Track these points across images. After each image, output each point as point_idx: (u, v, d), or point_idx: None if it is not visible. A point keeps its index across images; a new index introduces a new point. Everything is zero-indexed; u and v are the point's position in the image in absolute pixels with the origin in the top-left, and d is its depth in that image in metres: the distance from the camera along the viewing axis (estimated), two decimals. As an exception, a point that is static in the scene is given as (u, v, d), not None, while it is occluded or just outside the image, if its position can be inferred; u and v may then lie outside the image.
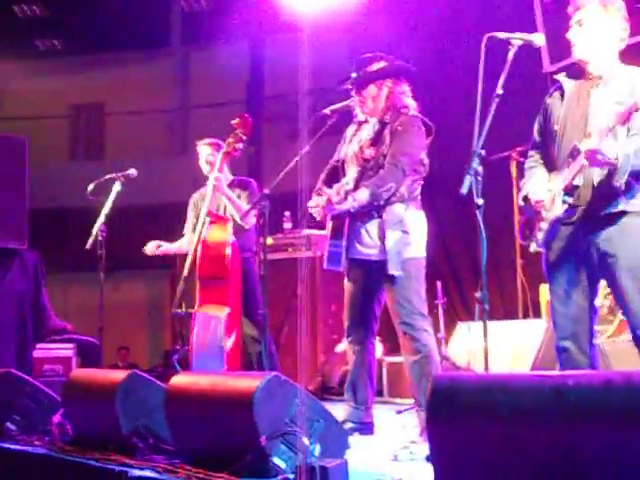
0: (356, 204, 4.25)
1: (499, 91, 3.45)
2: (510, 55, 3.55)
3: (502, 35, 3.56)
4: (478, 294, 3.31)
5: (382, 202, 4.26)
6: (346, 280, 4.53)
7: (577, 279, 3.58)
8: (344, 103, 4.57)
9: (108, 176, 5.64)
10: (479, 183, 3.38)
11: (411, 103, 4.47)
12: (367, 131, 4.50)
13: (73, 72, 12.03)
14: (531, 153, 3.87)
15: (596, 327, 5.51)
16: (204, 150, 5.99)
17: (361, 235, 4.35)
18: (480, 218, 3.33)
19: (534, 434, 2.37)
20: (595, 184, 3.46)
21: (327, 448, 3.20)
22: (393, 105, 4.43)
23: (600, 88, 3.58)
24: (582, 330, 3.60)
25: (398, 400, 6.28)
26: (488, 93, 3.45)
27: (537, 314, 6.32)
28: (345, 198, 4.30)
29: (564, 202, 3.50)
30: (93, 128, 12.75)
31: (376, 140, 4.42)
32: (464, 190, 3.26)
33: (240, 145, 5.50)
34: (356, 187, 4.33)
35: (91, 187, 5.53)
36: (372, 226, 4.33)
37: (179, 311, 5.41)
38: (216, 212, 5.63)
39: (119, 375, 3.87)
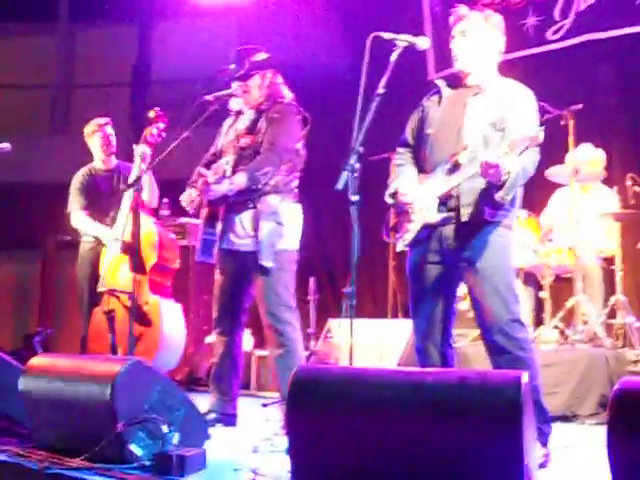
0: (233, 187, 4.23)
1: (380, 90, 3.49)
2: (394, 56, 3.59)
3: (387, 35, 3.60)
4: (346, 289, 3.34)
5: (259, 186, 4.23)
6: (217, 271, 4.49)
7: (438, 282, 3.67)
8: (227, 91, 4.53)
9: (-22, 149, 5.41)
10: (355, 180, 3.41)
11: (288, 94, 4.53)
12: (243, 121, 4.52)
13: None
14: (401, 151, 3.93)
15: (461, 330, 5.72)
16: (99, 131, 6.01)
17: (235, 225, 4.33)
18: (354, 214, 3.36)
19: (392, 428, 2.41)
20: (474, 196, 3.53)
21: (187, 437, 3.16)
22: (271, 95, 4.47)
23: (477, 98, 3.67)
24: (439, 332, 3.69)
25: (265, 393, 6.27)
26: (372, 92, 3.50)
27: (406, 315, 6.43)
28: (223, 177, 4.26)
29: (439, 211, 3.56)
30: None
31: (252, 128, 4.44)
32: (340, 186, 3.28)
33: (159, 139, 5.35)
34: (233, 173, 4.30)
35: (-41, 160, 5.30)
36: (246, 216, 4.30)
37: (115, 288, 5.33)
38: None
39: (-25, 354, 3.72)
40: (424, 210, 3.61)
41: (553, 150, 5.73)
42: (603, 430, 2.25)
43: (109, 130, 6.09)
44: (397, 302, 6.73)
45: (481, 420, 2.27)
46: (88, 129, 6.11)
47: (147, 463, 3.03)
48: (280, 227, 4.28)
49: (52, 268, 11.09)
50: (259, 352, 6.65)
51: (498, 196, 3.46)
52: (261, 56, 4.53)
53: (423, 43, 3.68)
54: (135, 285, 4.79)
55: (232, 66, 4.46)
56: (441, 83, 3.84)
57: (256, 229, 4.26)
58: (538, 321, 5.95)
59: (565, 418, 4.87)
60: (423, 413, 2.34)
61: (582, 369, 5.07)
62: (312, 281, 6.72)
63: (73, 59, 11.73)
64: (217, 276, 4.49)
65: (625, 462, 2.12)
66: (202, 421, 3.46)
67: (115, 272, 5.47)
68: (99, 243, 5.74)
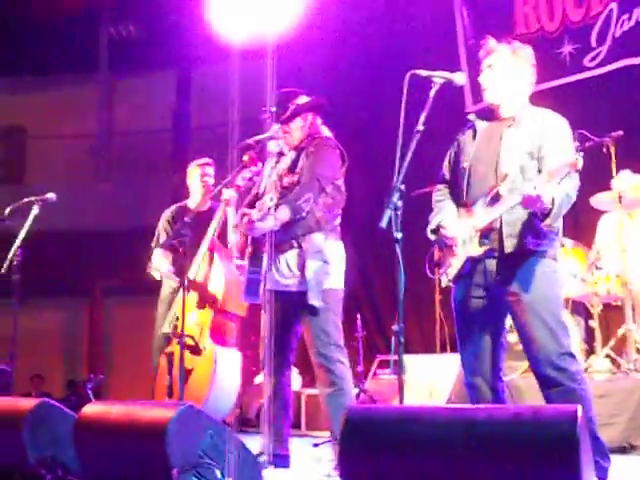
0: (278, 222, 4.23)
1: (420, 127, 3.50)
2: (432, 93, 3.60)
3: (424, 73, 3.61)
4: (395, 327, 3.32)
5: (303, 214, 4.24)
6: (263, 311, 4.50)
7: (484, 316, 3.65)
8: (268, 134, 4.58)
9: (26, 200, 5.52)
10: (398, 217, 3.41)
11: (327, 132, 4.58)
12: (285, 162, 4.55)
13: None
14: (439, 187, 3.94)
15: (511, 363, 5.65)
16: (198, 170, 6.01)
17: (280, 265, 4.34)
18: (399, 252, 3.36)
19: (446, 467, 2.38)
20: (517, 227, 3.52)
21: (241, 480, 3.15)
22: (310, 134, 4.52)
23: (512, 129, 3.67)
24: (489, 366, 3.65)
25: (316, 433, 6.25)
26: (411, 130, 3.51)
27: (454, 349, 6.39)
28: (267, 214, 4.28)
29: (482, 244, 3.55)
30: (14, 151, 12.48)
31: (293, 168, 4.47)
32: (383, 224, 3.28)
33: (250, 183, 5.40)
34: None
35: (8, 210, 5.41)
36: (291, 256, 4.31)
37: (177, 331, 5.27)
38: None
39: (28, 403, 3.76)
40: (467, 244, 3.60)
41: (596, 178, 5.70)
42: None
43: (208, 170, 6.06)
44: (445, 337, 6.69)
45: (537, 456, 2.24)
46: (190, 168, 6.13)
47: (202, 508, 3.03)
48: (326, 265, 4.28)
49: (99, 314, 11.23)
50: (308, 391, 6.65)
51: (545, 224, 3.45)
52: (302, 99, 4.59)
53: (460, 79, 3.69)
54: (196, 328, 4.92)
55: (273, 109, 4.52)
56: (474, 117, 3.86)
57: (302, 268, 4.26)
58: (589, 351, 5.86)
59: (623, 450, 4.78)
60: (477, 451, 2.31)
61: (637, 398, 4.98)
62: (358, 319, 6.71)
63: (113, 107, 11.95)
64: (263, 317, 4.49)
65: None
66: (256, 464, 3.45)
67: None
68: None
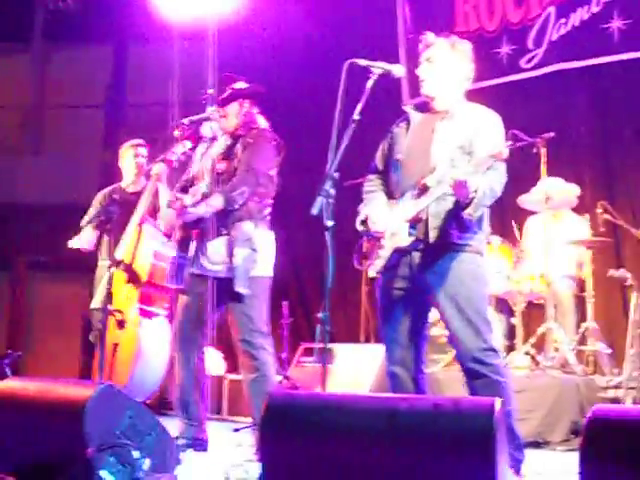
0: (210, 208, 4.25)
1: (356, 117, 3.51)
2: (369, 83, 3.62)
3: (363, 62, 3.63)
4: (320, 314, 3.34)
5: (236, 206, 4.26)
6: (182, 295, 4.47)
7: (408, 307, 3.69)
8: (203, 115, 4.55)
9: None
10: (330, 205, 3.42)
11: (263, 122, 4.61)
12: (218, 146, 4.55)
13: None
14: (371, 177, 3.96)
15: (433, 356, 5.73)
16: (132, 151, 6.01)
17: (208, 251, 4.32)
18: (329, 240, 3.37)
19: (365, 455, 2.40)
20: (442, 217, 3.56)
21: (158, 463, 3.12)
22: (247, 122, 4.54)
23: (445, 122, 3.71)
24: (411, 357, 3.70)
25: (237, 418, 6.23)
26: (348, 119, 3.52)
27: (378, 340, 6.43)
28: (201, 200, 4.28)
29: (410, 235, 3.58)
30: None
31: (227, 154, 4.47)
32: (315, 211, 3.30)
33: (183, 157, 5.30)
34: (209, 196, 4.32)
35: None
36: (220, 243, 4.31)
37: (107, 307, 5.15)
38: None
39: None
40: (395, 235, 3.62)
41: (526, 178, 5.81)
42: (574, 457, 2.26)
43: (141, 151, 6.05)
44: (369, 328, 6.74)
45: (455, 446, 2.27)
46: (122, 149, 6.11)
47: (117, 489, 3.00)
48: (254, 253, 4.28)
49: (22, 289, 11.00)
50: (231, 376, 6.62)
51: (466, 213, 3.48)
52: (241, 85, 4.61)
53: (398, 71, 3.72)
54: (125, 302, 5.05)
55: (211, 91, 4.50)
56: (409, 109, 3.89)
57: (230, 255, 4.26)
58: (510, 347, 5.97)
59: (536, 444, 4.88)
60: (397, 440, 2.33)
61: (553, 395, 5.10)
62: (285, 306, 6.70)
63: (46, 80, 11.68)
64: (181, 299, 4.47)
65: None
66: (174, 446, 3.42)
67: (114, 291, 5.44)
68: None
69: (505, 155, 3.34)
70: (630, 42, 6.58)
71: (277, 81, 7.44)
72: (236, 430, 5.43)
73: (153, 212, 5.69)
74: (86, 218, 5.93)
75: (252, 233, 4.30)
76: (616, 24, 6.64)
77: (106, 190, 6.13)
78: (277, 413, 2.53)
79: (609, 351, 5.64)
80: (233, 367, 6.48)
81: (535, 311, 6.15)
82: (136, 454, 3.04)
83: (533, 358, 5.67)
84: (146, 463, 3.03)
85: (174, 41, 9.42)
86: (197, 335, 4.40)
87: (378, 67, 3.67)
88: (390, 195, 3.78)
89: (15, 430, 3.25)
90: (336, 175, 3.40)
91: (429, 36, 3.85)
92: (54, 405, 3.15)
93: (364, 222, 3.78)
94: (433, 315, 4.50)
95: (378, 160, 3.95)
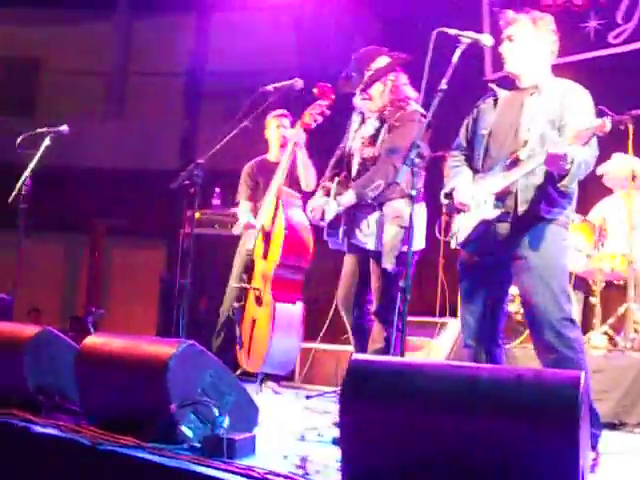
0: (341, 208, 4.44)
1: (443, 86, 3.50)
2: (457, 52, 3.60)
3: (452, 31, 3.61)
4: (401, 283, 3.34)
5: (367, 201, 4.36)
6: (346, 257, 4.66)
7: (489, 279, 3.68)
8: (287, 82, 4.59)
9: (39, 130, 5.54)
10: (415, 175, 3.42)
11: (412, 94, 4.51)
12: (367, 128, 4.55)
13: (7, 23, 11.68)
14: (455, 153, 3.94)
15: (511, 332, 5.68)
16: (275, 122, 6.07)
17: (361, 224, 4.46)
18: (412, 210, 3.38)
19: (446, 422, 2.40)
20: (532, 191, 3.52)
21: (236, 422, 3.18)
22: (394, 100, 4.49)
23: (533, 98, 3.66)
24: (488, 330, 3.69)
25: (309, 386, 6.29)
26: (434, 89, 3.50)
27: (453, 314, 6.40)
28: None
29: (496, 207, 3.55)
30: (26, 84, 12.40)
31: (374, 138, 4.50)
32: (399, 179, 3.30)
33: (320, 118, 5.37)
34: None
35: (20, 139, 5.42)
36: (372, 218, 4.43)
37: (244, 285, 5.63)
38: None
39: (30, 330, 3.78)
40: (480, 207, 3.60)
41: (610, 154, 5.68)
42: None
43: (284, 122, 6.10)
44: (445, 301, 6.70)
45: (538, 418, 2.26)
46: (267, 119, 6.14)
47: (197, 445, 3.06)
48: (402, 231, 4.34)
49: (100, 252, 11.25)
50: (304, 345, 6.67)
51: (562, 185, 3.46)
52: (382, 61, 4.54)
53: (487, 40, 3.69)
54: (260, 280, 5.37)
55: (354, 74, 4.50)
56: (495, 87, 3.84)
57: (381, 232, 4.38)
58: (588, 326, 5.88)
59: (612, 426, 4.81)
60: (479, 408, 2.33)
61: (631, 376, 5.00)
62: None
63: (130, 47, 11.85)
64: (345, 263, 4.66)
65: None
66: (252, 407, 3.48)
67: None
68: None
69: (608, 128, 3.27)
70: None
71: (358, 49, 7.42)
72: (308, 397, 5.48)
73: (292, 180, 5.76)
74: (238, 195, 6.13)
75: (403, 210, 4.33)
76: None
77: (252, 162, 6.21)
78: (359, 377, 2.55)
79: (690, 334, 5.51)
80: (307, 336, 6.55)
81: (615, 291, 6.03)
82: (216, 412, 3.10)
83: (611, 338, 5.57)
84: (225, 421, 3.08)
85: (255, 11, 9.47)
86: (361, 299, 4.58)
87: (467, 36, 3.64)
88: (474, 170, 3.75)
89: (100, 385, 3.35)
90: (421, 145, 3.40)
91: (509, 13, 3.79)
92: (138, 361, 3.23)
93: (448, 195, 3.77)
94: (512, 291, 4.49)
95: (462, 136, 3.93)
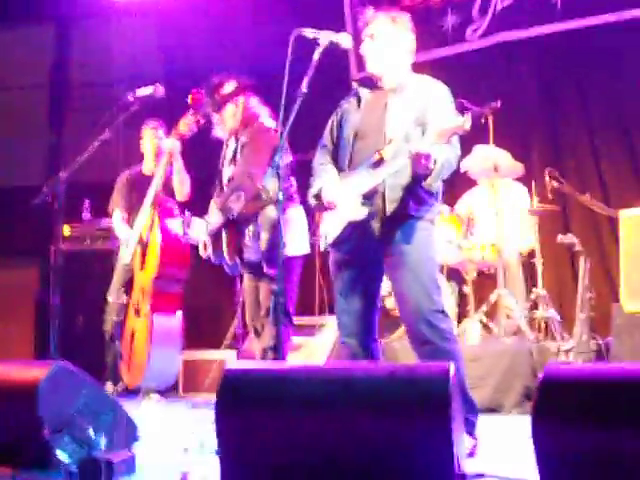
0: (211, 226, 4.51)
1: (303, 89, 3.51)
2: (316, 54, 3.61)
3: (310, 32, 3.62)
4: (274, 287, 3.34)
5: (234, 214, 4.44)
6: (244, 276, 4.77)
7: (361, 277, 3.73)
8: (148, 90, 4.57)
9: None
10: (281, 178, 3.42)
11: (263, 112, 4.73)
12: (229, 150, 4.74)
13: None
14: (320, 152, 3.96)
15: (390, 327, 5.77)
16: (150, 133, 6.03)
17: (243, 239, 4.52)
18: (280, 213, 3.39)
19: (322, 424, 2.41)
20: (399, 190, 3.57)
21: (115, 441, 3.11)
22: (245, 119, 4.70)
23: (396, 98, 3.71)
24: (363, 327, 3.75)
25: (195, 395, 6.23)
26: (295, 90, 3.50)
27: (332, 312, 6.45)
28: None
29: (364, 206, 3.58)
30: None
31: (234, 159, 4.67)
32: (265, 183, 3.29)
33: (195, 127, 5.32)
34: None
35: None
36: (250, 230, 4.49)
37: (119, 301, 5.65)
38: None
39: None
40: (348, 207, 3.63)
41: (472, 147, 5.84)
42: (527, 420, 2.29)
43: (159, 133, 6.04)
44: (324, 300, 6.75)
45: (412, 412, 2.30)
46: (142, 131, 6.09)
47: (74, 469, 2.97)
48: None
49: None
50: (186, 355, 6.59)
51: (426, 184, 3.54)
52: (230, 86, 4.72)
53: (345, 41, 3.70)
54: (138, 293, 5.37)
55: (207, 99, 4.66)
56: (357, 85, 3.88)
57: (258, 240, 4.45)
58: (462, 315, 6.04)
59: (491, 410, 4.95)
60: (353, 408, 2.35)
61: (506, 362, 5.18)
62: (238, 282, 6.69)
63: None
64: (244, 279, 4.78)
65: (550, 449, 2.16)
66: (130, 424, 3.41)
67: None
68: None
69: (468, 126, 3.34)
70: (573, 12, 6.63)
71: (221, 53, 7.40)
72: (194, 405, 5.44)
73: (168, 190, 5.69)
74: (111, 204, 6.10)
75: (275, 217, 4.33)
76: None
77: (127, 173, 6.17)
78: (232, 386, 2.53)
79: (559, 317, 5.73)
80: (188, 344, 6.48)
81: (486, 280, 6.21)
82: (92, 433, 3.02)
83: (485, 326, 5.74)
84: (102, 442, 3.01)
85: (117, 18, 9.29)
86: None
87: (325, 37, 3.65)
88: (339, 169, 3.78)
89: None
90: (285, 147, 3.40)
91: (368, 12, 3.84)
92: (8, 387, 3.11)
93: (316, 195, 3.79)
94: (387, 287, 4.56)
95: (327, 135, 3.95)
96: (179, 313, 5.68)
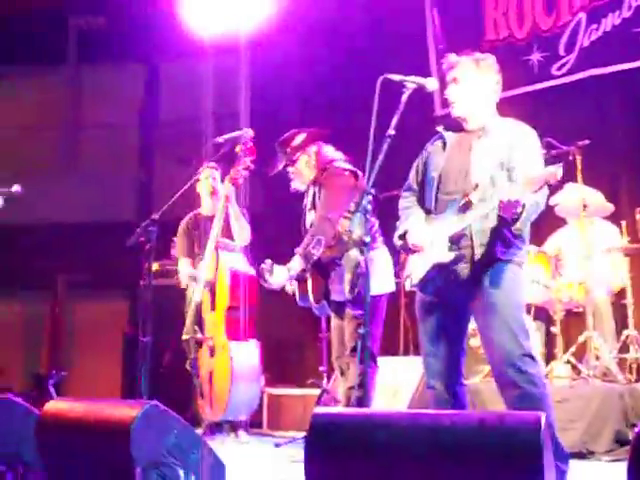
0: (293, 272, 4.53)
1: (391, 132, 3.54)
2: (404, 98, 3.64)
3: (396, 77, 3.65)
4: (361, 330, 3.35)
5: (314, 258, 4.49)
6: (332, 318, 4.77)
7: (448, 320, 3.70)
8: (237, 133, 4.65)
9: (-12, 192, 5.47)
10: (368, 222, 3.45)
11: (338, 156, 4.78)
12: (309, 198, 4.81)
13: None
14: (406, 194, 3.97)
15: (474, 367, 5.71)
16: (205, 173, 6.11)
17: (330, 281, 4.59)
18: (366, 255, 3.41)
19: (410, 472, 2.40)
20: (487, 235, 3.56)
21: (204, 480, 3.15)
22: (321, 165, 4.74)
23: (481, 140, 3.70)
24: (450, 370, 3.71)
25: (277, 433, 6.26)
26: (383, 134, 3.54)
27: (417, 352, 6.42)
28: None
29: (451, 250, 3.58)
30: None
31: (314, 204, 4.74)
32: (353, 228, 3.32)
33: (246, 172, 5.52)
34: None
35: (-28, 201, 5.37)
36: (336, 272, 4.55)
37: (196, 336, 5.78)
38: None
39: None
40: (435, 249, 3.62)
41: (563, 185, 5.77)
42: (619, 467, 2.25)
43: (215, 174, 6.17)
44: (409, 340, 6.73)
45: (502, 463, 2.27)
46: (200, 174, 6.15)
47: (164, 508, 3.02)
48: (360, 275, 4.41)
49: (62, 308, 11.12)
50: (270, 390, 6.64)
51: (515, 229, 3.53)
52: (300, 138, 4.78)
53: (432, 85, 3.73)
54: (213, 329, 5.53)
55: (279, 155, 4.80)
56: (442, 129, 3.88)
57: (342, 281, 4.49)
58: (550, 356, 5.93)
59: (580, 455, 4.84)
60: (441, 457, 2.33)
61: (596, 404, 5.06)
62: (324, 319, 6.72)
63: (80, 100, 11.81)
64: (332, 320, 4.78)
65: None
66: (218, 464, 3.44)
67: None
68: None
69: (559, 176, 3.30)
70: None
71: (307, 92, 7.50)
72: (277, 445, 5.45)
73: (227, 233, 5.80)
74: (176, 250, 6.28)
75: (359, 258, 4.40)
76: (648, 28, 6.60)
77: (187, 217, 6.30)
78: (322, 431, 2.54)
79: (651, 358, 5.58)
80: (272, 381, 6.53)
81: (575, 320, 6.10)
82: (182, 473, 3.06)
83: (574, 367, 5.63)
84: (192, 481, 3.05)
85: (205, 56, 9.50)
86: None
87: (412, 81, 3.68)
88: (425, 212, 3.79)
89: (63, 452, 3.29)
90: (373, 191, 3.43)
91: (451, 56, 3.84)
92: (101, 426, 3.18)
93: (402, 236, 3.80)
94: (472, 326, 4.52)
95: (412, 178, 3.96)
96: (254, 341, 5.78)
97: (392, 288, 4.63)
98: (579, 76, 6.96)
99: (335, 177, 4.61)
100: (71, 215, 10.55)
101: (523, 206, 3.35)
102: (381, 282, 4.49)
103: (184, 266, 6.15)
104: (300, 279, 4.65)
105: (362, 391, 4.17)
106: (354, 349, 4.44)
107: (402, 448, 2.38)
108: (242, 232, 5.79)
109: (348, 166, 4.64)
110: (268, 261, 4.48)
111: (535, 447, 2.27)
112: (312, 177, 4.75)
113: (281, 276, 4.47)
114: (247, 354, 5.74)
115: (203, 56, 9.51)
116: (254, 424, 6.29)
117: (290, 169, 4.77)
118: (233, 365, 5.59)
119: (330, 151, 4.79)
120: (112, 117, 11.17)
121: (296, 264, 4.52)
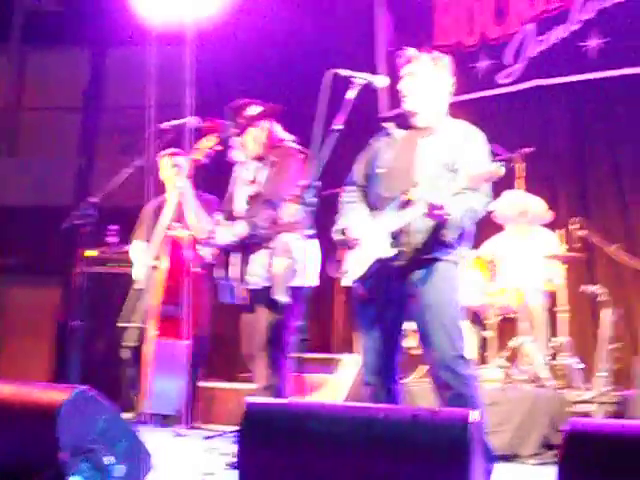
0: (235, 237, 4.40)
1: (337, 127, 3.54)
2: (351, 93, 3.64)
3: (345, 72, 3.65)
4: (298, 323, 3.35)
5: (261, 231, 4.37)
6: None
7: (385, 317, 3.72)
8: (183, 120, 4.58)
9: None
10: (311, 214, 3.45)
11: (288, 137, 4.68)
12: (249, 172, 4.64)
13: None
14: (349, 189, 3.97)
15: (407, 367, 5.73)
16: (169, 161, 5.92)
17: (249, 266, 4.43)
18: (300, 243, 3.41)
19: (342, 463, 2.40)
20: (425, 233, 3.59)
21: (129, 469, 3.10)
22: (270, 142, 4.63)
23: (428, 139, 3.72)
24: (386, 367, 3.73)
25: (209, 426, 6.20)
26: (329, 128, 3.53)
27: (352, 350, 6.43)
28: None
29: (392, 246, 3.59)
30: None
31: (256, 177, 4.59)
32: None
33: (211, 152, 5.31)
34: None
35: None
36: (261, 256, 4.40)
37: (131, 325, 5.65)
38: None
39: None
40: (377, 245, 3.63)
41: (500, 192, 5.83)
42: (544, 470, 2.28)
43: (179, 160, 5.98)
44: (342, 337, 6.74)
45: (430, 458, 2.29)
46: (160, 159, 6.02)
47: (89, 495, 2.97)
48: (292, 263, 4.32)
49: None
50: (202, 384, 6.58)
51: (441, 234, 3.57)
52: (254, 109, 4.64)
53: (381, 82, 3.74)
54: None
55: (228, 122, 4.61)
56: (390, 125, 3.89)
57: (269, 266, 4.35)
58: (483, 360, 5.99)
59: (507, 458, 4.89)
60: (374, 449, 2.34)
61: (525, 409, 5.12)
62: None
63: (24, 82, 11.58)
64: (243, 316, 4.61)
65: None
66: (144, 453, 3.40)
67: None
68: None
69: (502, 173, 3.34)
70: (607, 60, 6.66)
71: (254, 86, 7.45)
72: (207, 438, 5.40)
73: (180, 217, 5.68)
74: (134, 233, 6.07)
75: (291, 244, 4.33)
76: (594, 42, 6.72)
77: (153, 202, 6.10)
78: (255, 421, 2.53)
79: (581, 366, 5.67)
80: (205, 374, 6.47)
81: (508, 325, 6.17)
82: (108, 460, 3.02)
83: (506, 372, 5.69)
84: (119, 469, 3.00)
85: (152, 44, 9.38)
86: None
87: (361, 78, 3.69)
88: (370, 207, 3.79)
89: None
90: (317, 184, 3.43)
91: (410, 50, 3.86)
92: (28, 409, 3.12)
93: (342, 231, 3.79)
94: (406, 326, 4.54)
95: (357, 172, 3.96)
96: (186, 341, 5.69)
97: (316, 282, 4.51)
98: (524, 85, 7.06)
99: (291, 158, 4.53)
100: (8, 198, 10.34)
101: (449, 214, 3.38)
102: (306, 274, 4.39)
103: (136, 250, 5.99)
104: (226, 251, 4.51)
105: (274, 393, 4.17)
106: (268, 342, 4.36)
107: (335, 439, 2.39)
108: (197, 225, 5.63)
109: (301, 148, 4.55)
110: (219, 216, 4.42)
111: (463, 443, 2.29)
112: (258, 152, 4.63)
113: (226, 237, 4.40)
114: (173, 349, 5.63)
115: (150, 44, 9.39)
116: (187, 418, 6.22)
117: (236, 138, 4.64)
118: (156, 358, 5.51)
119: (280, 130, 4.70)
120: (55, 100, 10.97)
121: (241, 230, 4.40)
